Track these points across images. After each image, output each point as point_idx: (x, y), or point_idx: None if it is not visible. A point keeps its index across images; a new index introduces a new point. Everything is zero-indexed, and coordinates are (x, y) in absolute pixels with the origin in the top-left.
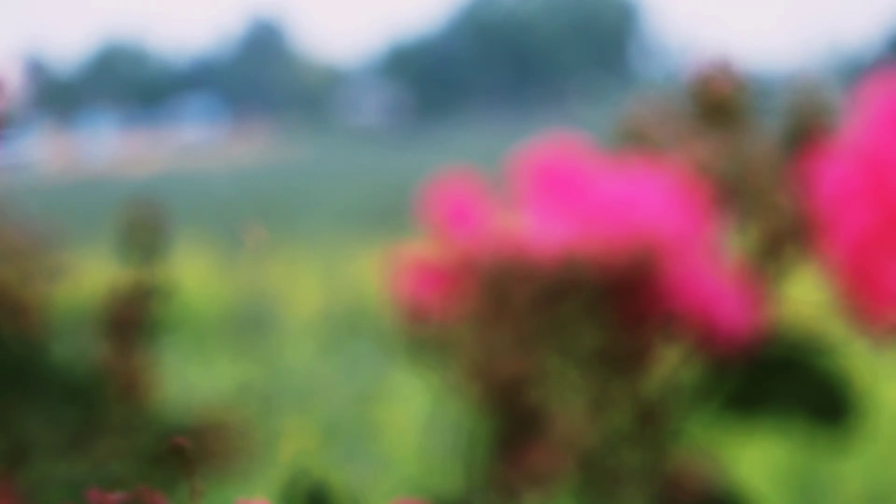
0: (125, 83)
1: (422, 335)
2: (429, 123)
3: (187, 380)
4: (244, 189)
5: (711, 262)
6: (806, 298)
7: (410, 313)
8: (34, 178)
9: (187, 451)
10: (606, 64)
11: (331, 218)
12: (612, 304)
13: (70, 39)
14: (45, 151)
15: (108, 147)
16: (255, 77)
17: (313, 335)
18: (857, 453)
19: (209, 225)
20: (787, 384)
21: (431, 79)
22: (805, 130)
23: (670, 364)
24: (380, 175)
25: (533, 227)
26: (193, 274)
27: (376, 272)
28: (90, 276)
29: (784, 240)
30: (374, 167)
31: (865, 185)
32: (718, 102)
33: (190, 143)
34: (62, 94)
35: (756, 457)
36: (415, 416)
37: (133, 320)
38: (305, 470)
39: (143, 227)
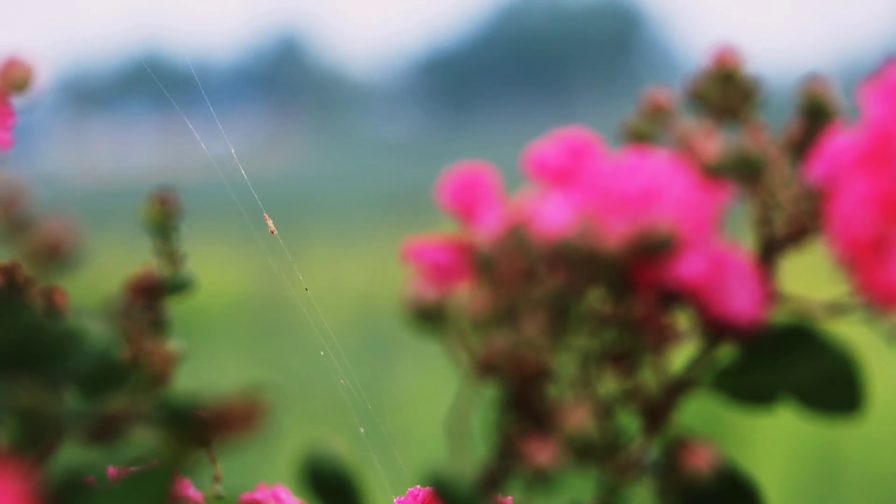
0: (156, 90)
1: (434, 314)
2: (451, 134)
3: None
4: (269, 195)
5: (725, 247)
6: (814, 285)
7: (425, 293)
8: (65, 184)
9: (207, 424)
10: (613, 71)
11: (349, 217)
12: (629, 284)
13: (98, 45)
14: (77, 157)
15: (140, 153)
16: (283, 89)
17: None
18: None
19: (230, 224)
20: (801, 356)
21: (452, 92)
22: (813, 129)
23: (685, 343)
24: (403, 181)
25: (551, 211)
26: (216, 270)
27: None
28: (115, 269)
29: (793, 230)
30: (397, 175)
31: (867, 156)
32: (730, 93)
33: (221, 154)
34: (97, 98)
35: (776, 432)
36: (431, 399)
37: (151, 307)
38: (319, 452)
39: (163, 215)
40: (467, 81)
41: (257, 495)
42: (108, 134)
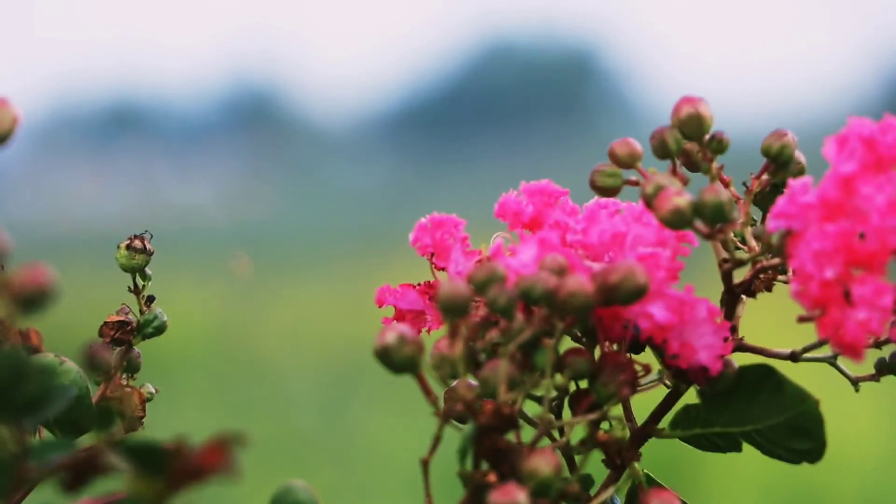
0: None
1: (402, 358)
2: (424, 182)
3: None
4: (243, 241)
5: (688, 295)
6: (779, 333)
7: (393, 336)
8: (39, 230)
9: (178, 470)
10: (566, 114)
11: (323, 262)
12: (596, 329)
13: (73, 90)
14: (50, 203)
15: (116, 199)
16: (257, 137)
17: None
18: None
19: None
20: (763, 402)
21: (424, 142)
22: (777, 181)
23: (649, 387)
24: (376, 227)
25: (519, 257)
26: (186, 309)
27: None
28: (90, 311)
29: (757, 277)
30: (372, 221)
31: (828, 207)
32: (693, 144)
33: (196, 201)
34: (71, 144)
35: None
36: (401, 442)
37: (124, 349)
38: (288, 493)
39: (134, 259)
40: (438, 132)
41: None
42: (82, 180)
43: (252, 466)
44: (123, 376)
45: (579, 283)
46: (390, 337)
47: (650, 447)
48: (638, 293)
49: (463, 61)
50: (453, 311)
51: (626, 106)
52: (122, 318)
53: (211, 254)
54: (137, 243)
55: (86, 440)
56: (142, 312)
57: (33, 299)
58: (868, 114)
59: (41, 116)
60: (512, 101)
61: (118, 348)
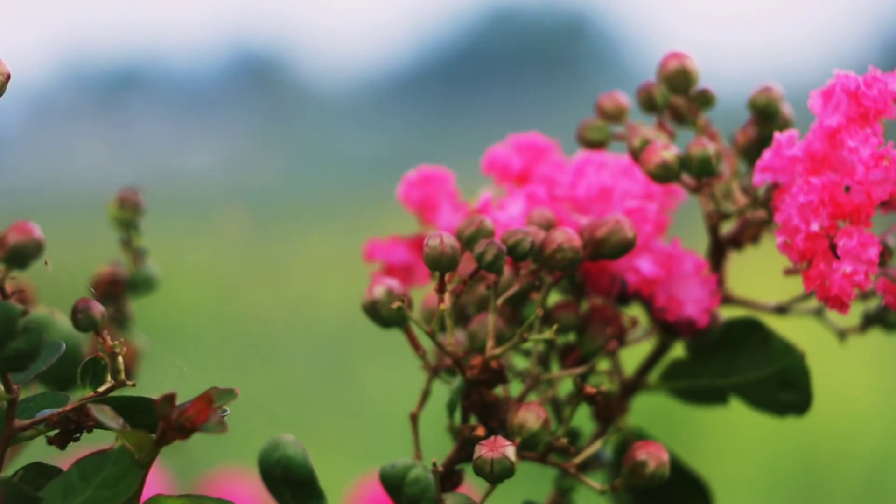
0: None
1: (391, 313)
2: (422, 146)
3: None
4: (251, 204)
5: (676, 249)
6: (766, 286)
7: (381, 291)
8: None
9: (167, 424)
10: (560, 74)
11: (331, 224)
12: (584, 283)
13: (78, 52)
14: (57, 165)
15: (124, 161)
16: (265, 100)
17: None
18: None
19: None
20: (750, 355)
21: (419, 106)
22: (764, 134)
23: (637, 340)
24: (376, 191)
25: (507, 210)
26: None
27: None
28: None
29: (744, 230)
30: (371, 186)
31: (814, 159)
32: (680, 97)
33: (203, 164)
34: (80, 104)
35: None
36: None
37: (115, 304)
38: (275, 445)
39: (125, 213)
40: (442, 95)
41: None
42: (86, 143)
43: (251, 421)
44: (115, 331)
45: (567, 236)
46: (378, 291)
47: (646, 403)
48: (625, 247)
49: (465, 25)
50: (440, 265)
51: (623, 66)
52: (113, 272)
53: (214, 214)
54: (129, 197)
55: (77, 395)
56: (134, 266)
57: (22, 252)
58: (865, 67)
59: (45, 79)
60: (514, 64)
61: (110, 302)
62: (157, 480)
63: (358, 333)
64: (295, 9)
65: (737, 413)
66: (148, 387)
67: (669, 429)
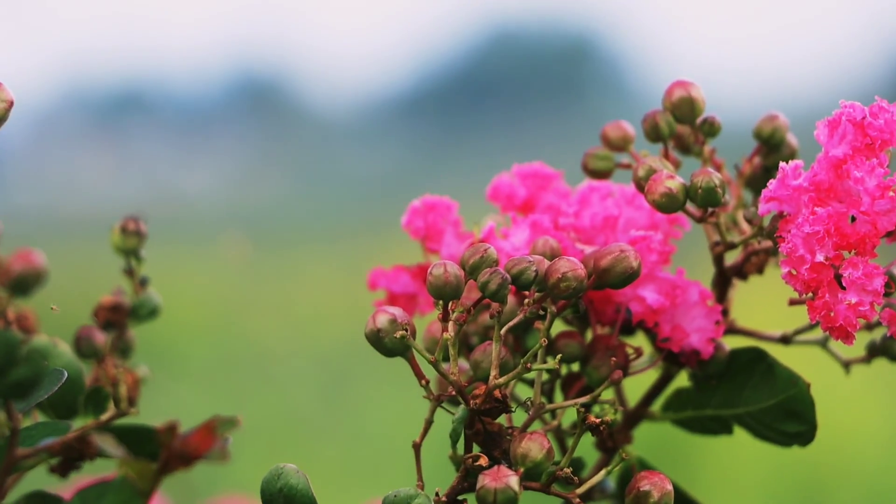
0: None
1: (394, 342)
2: (423, 169)
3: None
4: (251, 227)
5: (680, 278)
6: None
7: (384, 320)
8: (46, 214)
9: (168, 453)
10: (563, 97)
11: (331, 248)
12: (588, 312)
13: (77, 76)
14: (56, 188)
15: (124, 184)
16: (266, 123)
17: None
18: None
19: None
20: (754, 385)
21: (421, 129)
22: (770, 164)
23: (641, 370)
24: (376, 214)
25: (512, 239)
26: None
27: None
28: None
29: (749, 260)
30: (372, 209)
31: (819, 190)
32: (685, 127)
33: (203, 186)
34: (78, 128)
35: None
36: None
37: (117, 331)
38: (278, 475)
39: (128, 241)
40: (443, 118)
41: None
42: (88, 164)
43: (253, 448)
44: (117, 359)
45: (571, 266)
46: (381, 320)
47: (649, 432)
48: (630, 276)
49: (468, 48)
50: (444, 294)
51: (627, 91)
52: (115, 300)
53: (215, 238)
54: (131, 225)
55: (79, 423)
56: (136, 294)
57: (25, 281)
58: (873, 94)
59: (47, 100)
60: (516, 87)
61: (112, 331)
62: None
63: (360, 359)
64: (297, 32)
65: (738, 439)
66: (150, 415)
67: (671, 454)
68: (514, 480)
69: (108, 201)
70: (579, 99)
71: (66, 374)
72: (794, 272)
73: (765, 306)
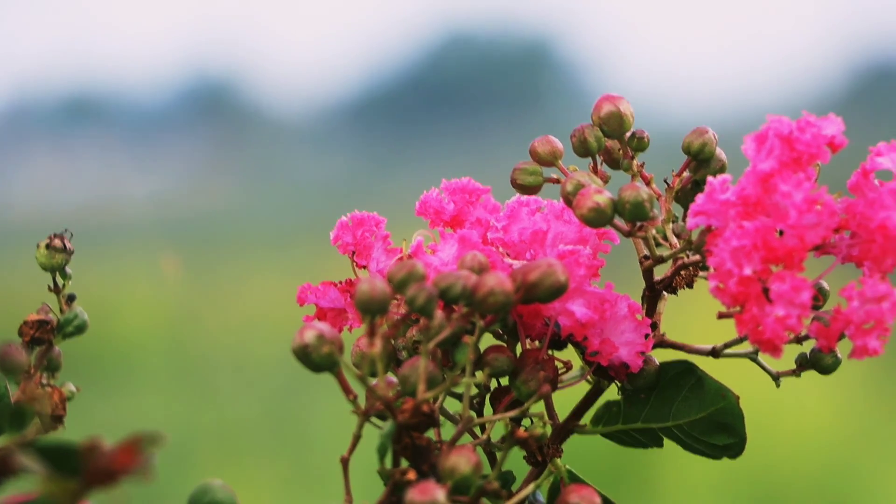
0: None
1: (320, 357)
2: (377, 174)
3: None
4: (201, 231)
5: (609, 292)
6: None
7: (311, 335)
8: None
9: (89, 470)
10: (524, 105)
11: (279, 252)
12: (516, 326)
13: (31, 78)
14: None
15: (75, 188)
16: (216, 127)
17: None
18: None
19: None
20: (684, 398)
21: (375, 133)
22: (698, 178)
23: (570, 384)
24: (330, 220)
25: (440, 254)
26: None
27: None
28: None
29: (678, 274)
30: (325, 214)
31: (746, 204)
32: (614, 141)
33: (154, 190)
34: (30, 131)
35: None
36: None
37: (43, 348)
38: (208, 485)
39: (53, 258)
40: (397, 122)
41: None
42: (39, 170)
43: (206, 456)
44: (43, 376)
45: (499, 280)
46: (308, 335)
47: (601, 446)
48: (558, 291)
49: (421, 51)
50: (372, 309)
51: (585, 97)
52: (41, 318)
53: (168, 244)
54: (57, 242)
55: (2, 441)
56: (62, 311)
57: None
58: (831, 103)
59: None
60: (470, 92)
61: (37, 347)
62: None
63: (304, 370)
64: (249, 36)
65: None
66: (93, 429)
67: (622, 461)
68: (441, 494)
69: (54, 207)
70: (535, 105)
71: None
72: (721, 286)
73: (696, 320)
